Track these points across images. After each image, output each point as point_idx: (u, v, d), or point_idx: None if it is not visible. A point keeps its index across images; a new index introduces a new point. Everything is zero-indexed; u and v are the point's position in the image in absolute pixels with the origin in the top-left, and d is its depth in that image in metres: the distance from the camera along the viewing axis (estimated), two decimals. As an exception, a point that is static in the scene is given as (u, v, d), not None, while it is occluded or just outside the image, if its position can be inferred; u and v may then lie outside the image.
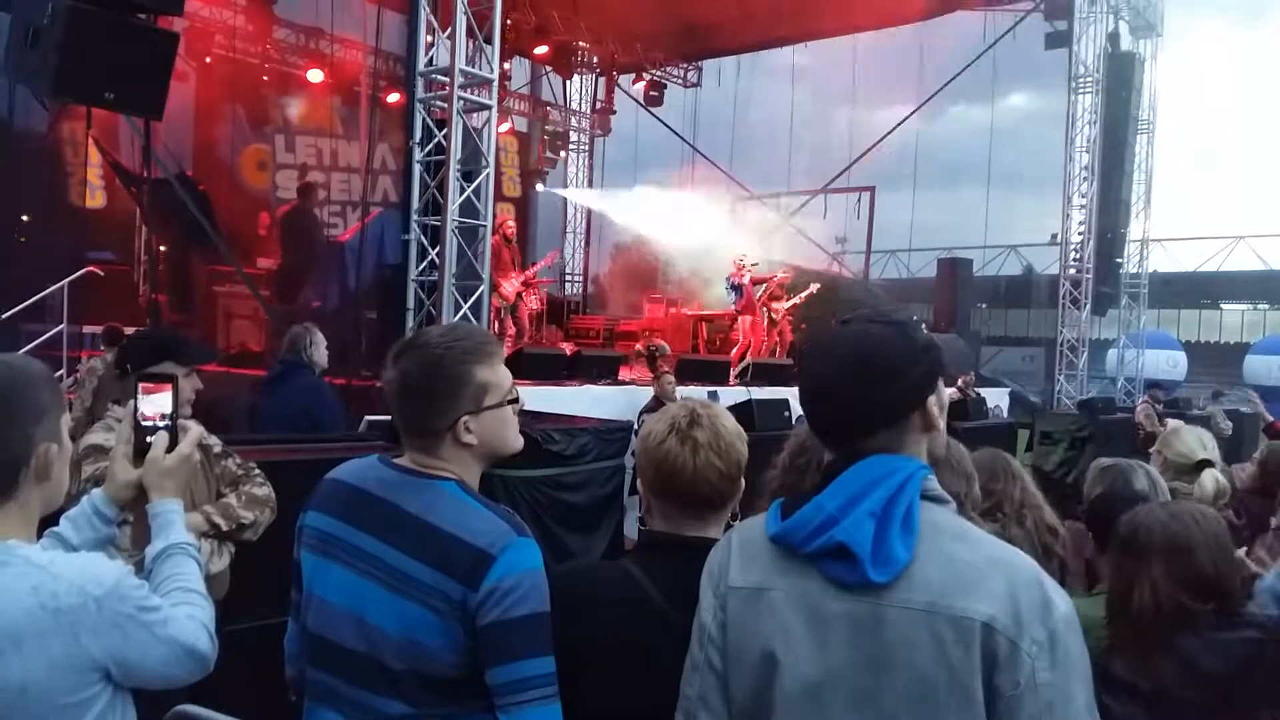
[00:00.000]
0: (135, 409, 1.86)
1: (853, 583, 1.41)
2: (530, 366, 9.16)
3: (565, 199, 20.79)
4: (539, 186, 20.20)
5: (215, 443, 3.43)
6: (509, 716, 1.74)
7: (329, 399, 6.01)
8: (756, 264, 14.31)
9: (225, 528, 3.25)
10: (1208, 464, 3.63)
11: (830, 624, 1.43)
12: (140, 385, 1.88)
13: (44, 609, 1.48)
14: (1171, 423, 4.36)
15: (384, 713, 1.80)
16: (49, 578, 1.51)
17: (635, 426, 6.87)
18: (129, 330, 9.39)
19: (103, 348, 8.82)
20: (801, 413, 1.65)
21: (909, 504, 1.42)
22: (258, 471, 3.45)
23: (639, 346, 13.26)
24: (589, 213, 20.93)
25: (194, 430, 1.90)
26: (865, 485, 1.44)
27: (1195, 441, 3.75)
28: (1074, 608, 1.41)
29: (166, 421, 1.86)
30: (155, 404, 1.87)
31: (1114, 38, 15.94)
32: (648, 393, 9.25)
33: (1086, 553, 2.75)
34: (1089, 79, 15.41)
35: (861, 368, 1.48)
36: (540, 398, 7.85)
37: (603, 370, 10.66)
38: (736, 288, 13.86)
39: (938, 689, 1.36)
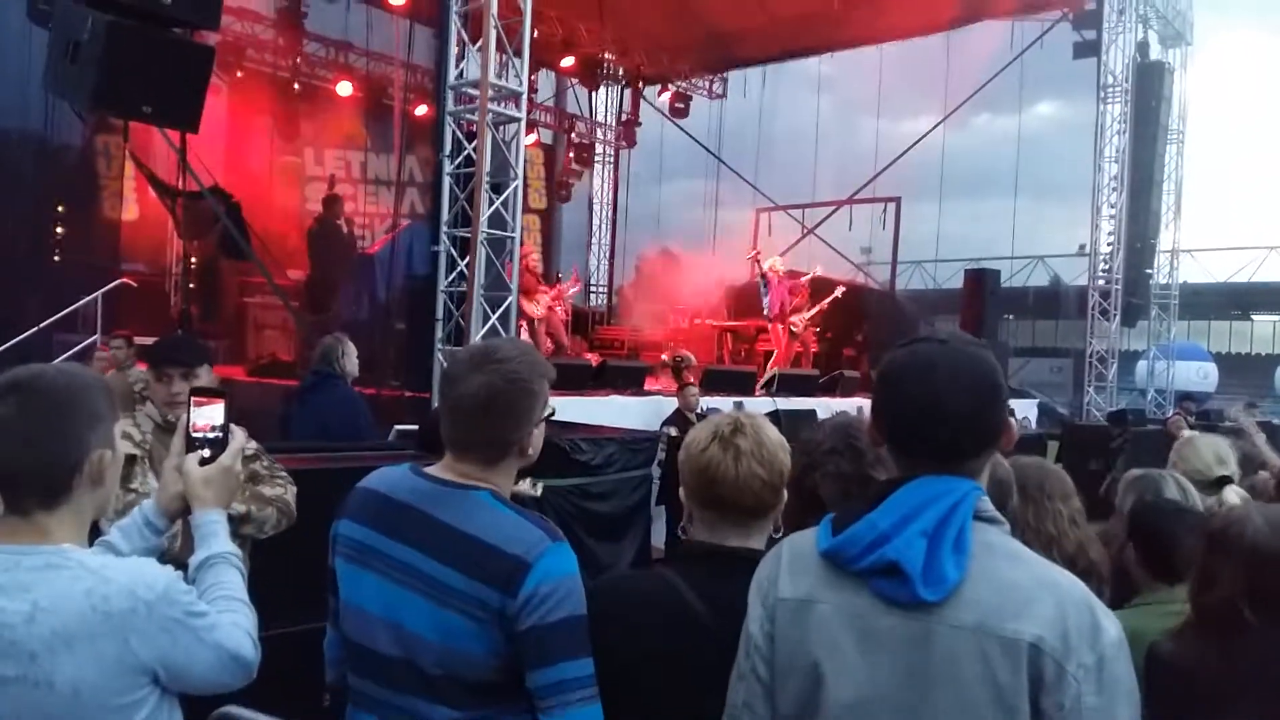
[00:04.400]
0: (187, 421, 1.89)
1: (903, 600, 1.41)
2: (556, 378, 9.17)
3: (590, 211, 20.86)
4: (564, 197, 20.28)
5: (250, 447, 3.41)
6: (551, 718, 1.76)
7: (362, 409, 6.08)
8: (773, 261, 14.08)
9: None
10: (1228, 480, 3.58)
11: (878, 640, 1.44)
12: (192, 398, 1.91)
13: (95, 611, 1.52)
14: (1185, 433, 4.26)
15: (424, 716, 1.83)
16: (101, 581, 1.55)
17: (659, 438, 6.91)
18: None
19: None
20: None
21: (962, 524, 1.43)
22: (282, 477, 3.46)
23: (665, 357, 13.25)
24: (614, 224, 20.99)
25: (235, 442, 1.93)
26: (918, 505, 1.45)
27: (1212, 456, 3.66)
28: (1123, 632, 1.41)
29: (217, 434, 1.89)
30: (207, 416, 1.90)
31: (1143, 47, 15.83)
32: (674, 403, 9.26)
33: (1128, 562, 2.71)
34: (1118, 89, 15.30)
35: (983, 389, 1.50)
36: (566, 408, 7.89)
37: (628, 381, 10.68)
38: (762, 277, 13.38)
39: (983, 708, 1.36)
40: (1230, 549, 2.09)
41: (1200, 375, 22.86)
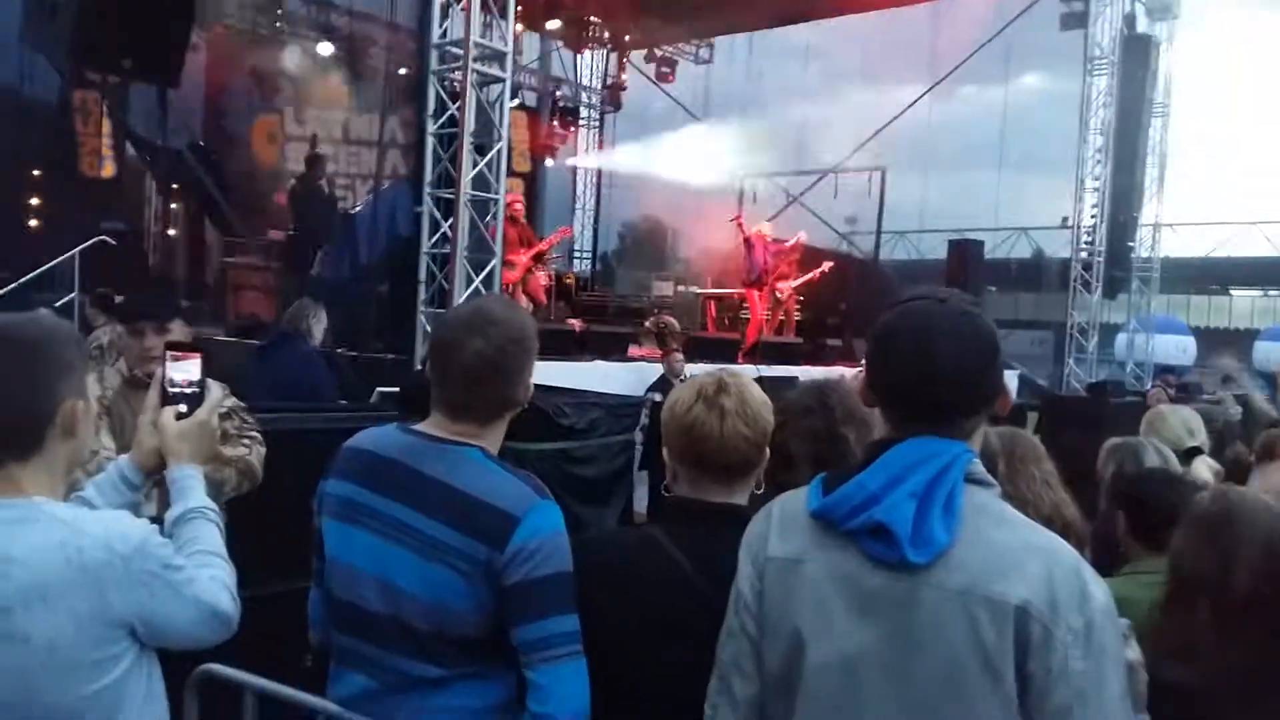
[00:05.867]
0: (163, 376, 1.86)
1: (891, 562, 1.41)
2: (539, 342, 9.17)
3: (575, 175, 20.74)
4: (548, 161, 20.12)
5: (224, 405, 3.37)
6: (536, 673, 1.77)
7: (322, 369, 6.08)
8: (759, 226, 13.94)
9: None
10: (1197, 451, 3.62)
11: (866, 600, 1.44)
12: (168, 352, 1.88)
13: (70, 565, 1.50)
14: (1158, 407, 4.30)
15: (410, 674, 1.84)
16: (75, 534, 1.53)
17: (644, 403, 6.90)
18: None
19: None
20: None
21: (952, 486, 1.42)
22: (250, 437, 3.40)
23: (648, 324, 13.23)
24: (599, 189, 20.89)
25: (212, 396, 1.91)
26: (908, 466, 1.44)
27: (1182, 428, 3.72)
28: (1112, 598, 1.41)
29: (193, 389, 1.87)
30: (183, 370, 1.87)
31: (1130, 20, 15.79)
32: (657, 370, 9.26)
33: (1117, 531, 2.71)
34: (1104, 61, 15.27)
35: (977, 350, 1.48)
36: (549, 374, 7.85)
37: (611, 347, 10.68)
38: (746, 241, 13.20)
39: (969, 670, 1.37)
40: (1247, 538, 2.07)
41: (1179, 349, 23.03)
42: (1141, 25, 16.15)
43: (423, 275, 8.59)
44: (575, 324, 12.38)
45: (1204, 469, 3.52)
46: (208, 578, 1.66)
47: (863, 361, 1.65)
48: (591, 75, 20.61)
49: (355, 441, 2.01)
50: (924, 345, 1.47)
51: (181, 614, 1.60)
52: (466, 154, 8.26)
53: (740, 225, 13.52)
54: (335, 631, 1.97)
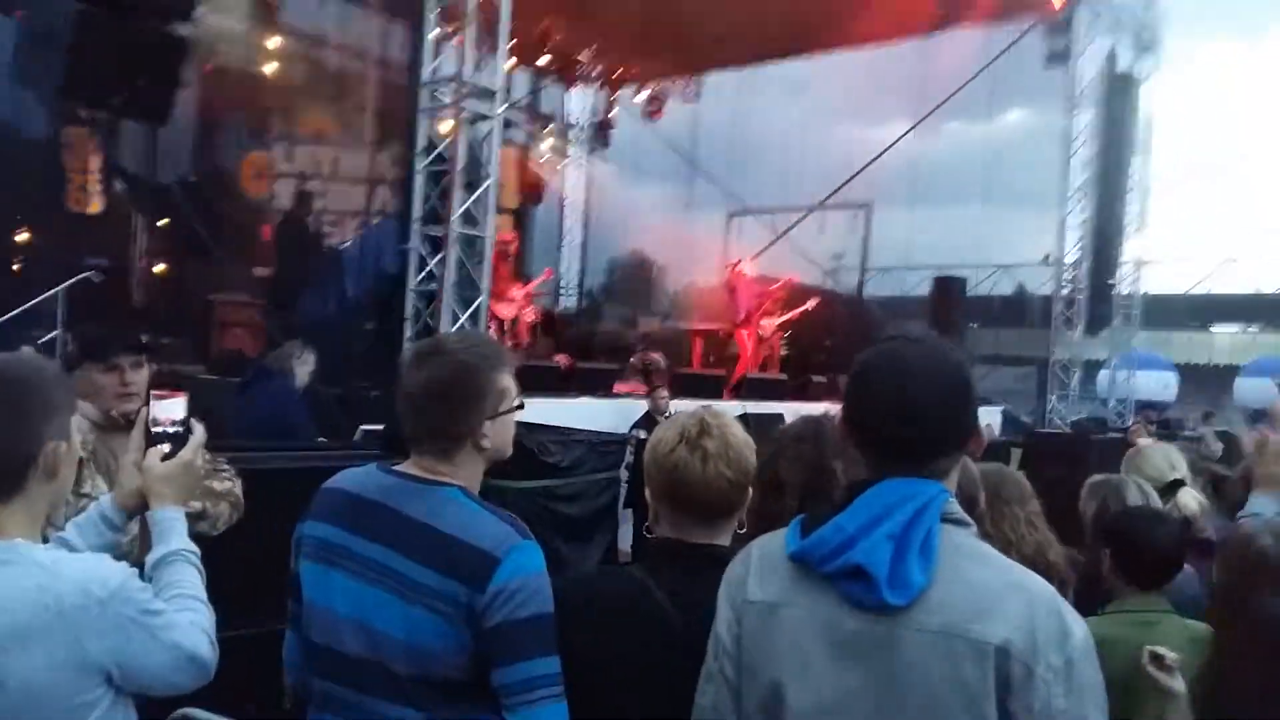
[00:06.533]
0: (147, 416, 1.86)
1: (869, 604, 1.41)
2: (525, 379, 9.17)
3: (562, 212, 20.83)
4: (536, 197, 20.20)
5: None
6: (516, 716, 1.76)
7: (299, 407, 6.01)
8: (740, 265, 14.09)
9: None
10: (1180, 483, 3.63)
11: (846, 643, 1.43)
12: (151, 392, 1.89)
13: (47, 609, 1.49)
14: (1142, 442, 4.33)
15: (389, 717, 1.82)
16: (53, 578, 1.52)
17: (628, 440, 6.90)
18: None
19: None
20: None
21: (929, 527, 1.42)
22: (225, 470, 3.29)
23: (634, 360, 13.24)
24: (586, 225, 20.97)
25: (196, 437, 1.91)
26: (886, 507, 1.44)
27: (1164, 462, 3.72)
28: (1090, 635, 1.42)
29: (177, 428, 1.87)
30: (167, 410, 1.87)
31: (1113, 57, 16.01)
32: (642, 406, 9.26)
33: (1102, 570, 2.70)
34: (1087, 98, 15.46)
35: (953, 390, 1.49)
36: (535, 410, 7.84)
37: (597, 384, 10.67)
38: (728, 284, 13.44)
39: (951, 711, 1.36)
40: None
41: (1162, 385, 23.10)
42: (1124, 63, 16.35)
43: (409, 312, 8.60)
44: (561, 360, 12.38)
45: (1190, 500, 3.54)
46: (187, 623, 1.66)
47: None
48: (581, 112, 20.76)
49: (334, 482, 2.00)
50: (898, 385, 1.48)
51: (158, 659, 1.59)
52: (456, 191, 8.31)
53: (729, 268, 13.67)
54: (314, 676, 1.94)
